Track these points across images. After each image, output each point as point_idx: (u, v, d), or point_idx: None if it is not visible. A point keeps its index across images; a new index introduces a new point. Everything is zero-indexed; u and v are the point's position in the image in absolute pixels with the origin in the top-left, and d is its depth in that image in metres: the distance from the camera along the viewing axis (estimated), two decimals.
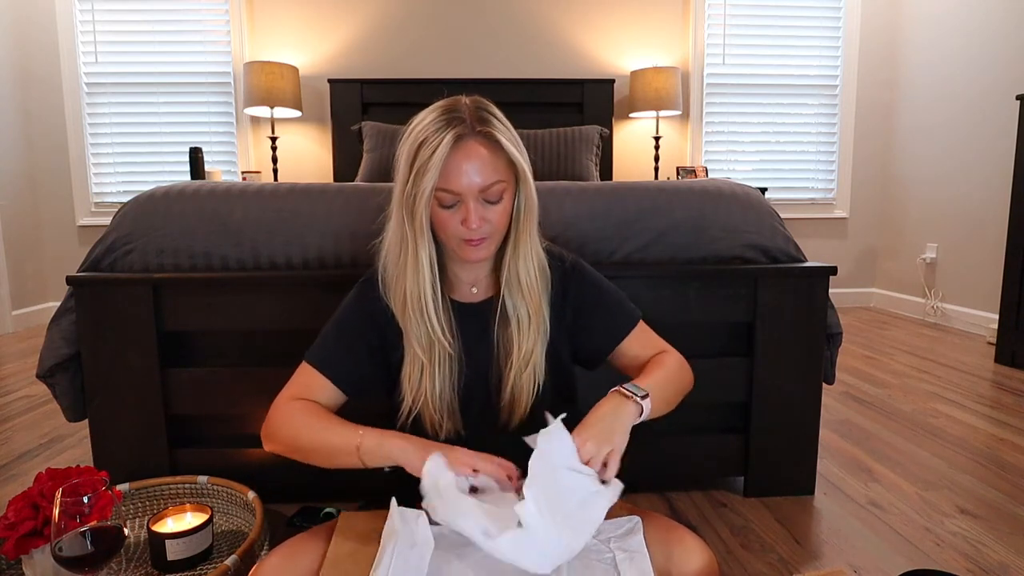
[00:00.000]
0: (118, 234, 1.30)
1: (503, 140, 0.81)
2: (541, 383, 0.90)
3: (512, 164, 0.83)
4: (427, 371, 0.87)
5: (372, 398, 0.94)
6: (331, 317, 0.94)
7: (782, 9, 3.71)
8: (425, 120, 0.81)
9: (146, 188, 1.45)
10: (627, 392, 0.82)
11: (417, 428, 0.90)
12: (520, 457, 0.91)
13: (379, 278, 0.90)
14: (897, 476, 1.53)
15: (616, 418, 0.80)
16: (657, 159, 3.59)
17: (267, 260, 1.31)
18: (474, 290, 0.93)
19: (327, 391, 0.89)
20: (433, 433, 0.90)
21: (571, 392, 1.02)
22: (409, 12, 3.55)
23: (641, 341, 0.97)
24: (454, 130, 0.78)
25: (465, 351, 0.91)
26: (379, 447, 0.78)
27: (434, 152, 0.77)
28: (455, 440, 0.90)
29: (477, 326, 0.91)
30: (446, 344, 0.87)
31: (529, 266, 0.88)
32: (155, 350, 1.28)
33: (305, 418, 0.84)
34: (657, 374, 0.90)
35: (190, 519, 1.15)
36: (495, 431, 0.92)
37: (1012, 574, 1.13)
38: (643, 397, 0.82)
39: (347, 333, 0.92)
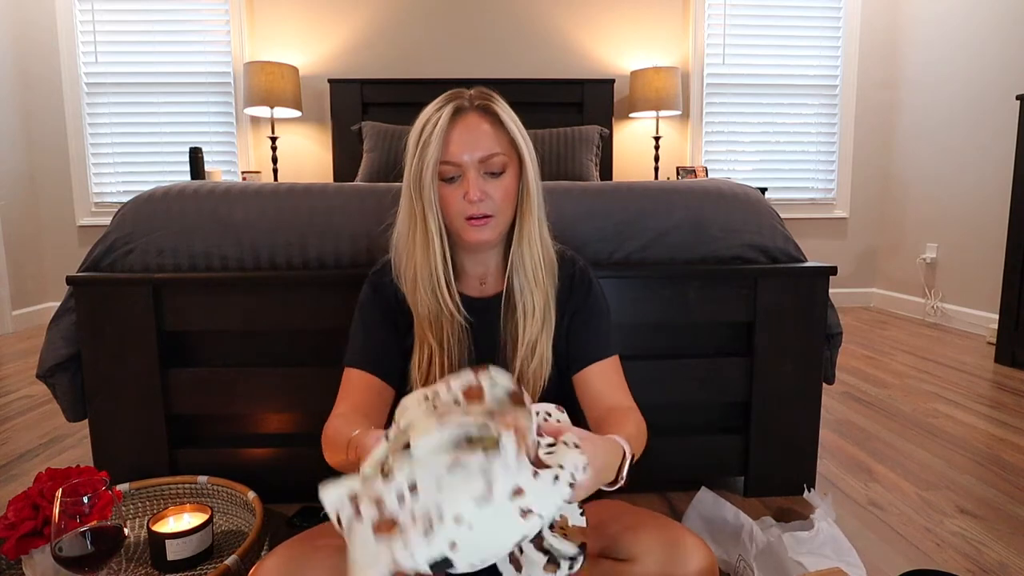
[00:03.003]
0: (118, 234, 1.30)
1: (502, 114, 0.84)
2: (548, 375, 0.90)
3: (513, 142, 0.85)
4: (436, 358, 0.88)
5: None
6: (353, 319, 0.95)
7: (782, 9, 3.71)
8: (429, 105, 0.86)
9: (146, 188, 1.45)
10: (620, 442, 0.74)
11: None
12: None
13: (391, 262, 0.92)
14: (897, 476, 1.53)
15: (610, 459, 0.71)
16: (657, 159, 3.60)
17: (267, 260, 1.31)
18: (482, 284, 0.94)
19: (375, 388, 0.89)
20: None
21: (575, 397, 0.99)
22: (409, 12, 3.55)
23: (608, 376, 0.92)
24: (454, 103, 0.83)
25: (474, 345, 0.91)
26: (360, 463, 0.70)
27: (436, 125, 0.82)
28: None
29: (485, 321, 0.91)
30: (458, 319, 0.88)
31: (535, 251, 0.89)
32: (155, 350, 1.28)
33: (326, 446, 0.81)
34: (628, 433, 0.80)
35: (190, 519, 1.15)
36: None
37: (1012, 574, 1.13)
38: (631, 460, 0.75)
39: (373, 327, 0.93)
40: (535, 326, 0.89)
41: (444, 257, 0.87)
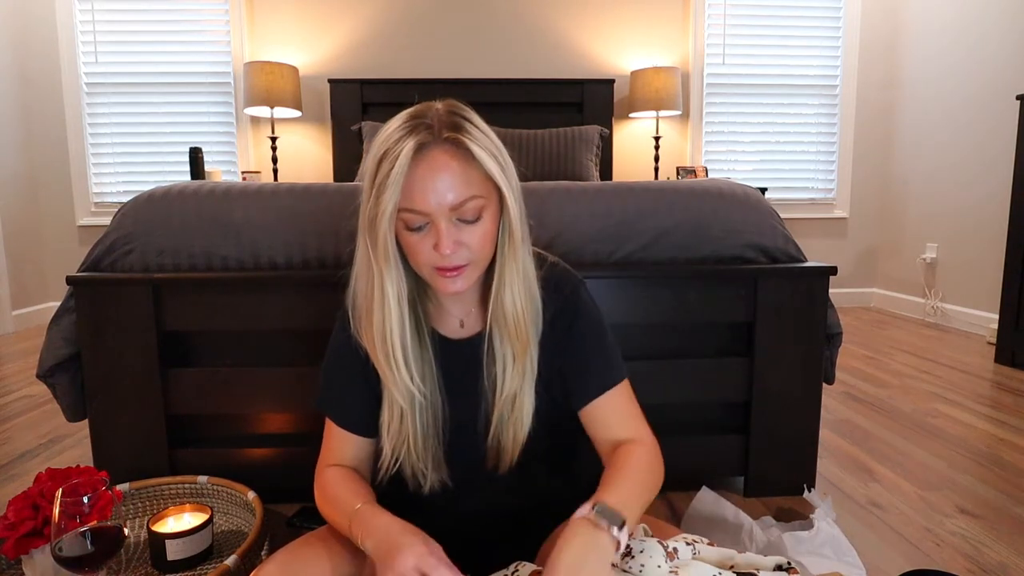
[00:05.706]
0: (118, 234, 1.30)
1: (476, 149, 0.69)
2: (527, 429, 0.81)
3: (490, 178, 0.71)
4: (408, 417, 0.79)
5: None
6: (327, 352, 0.88)
7: (782, 9, 3.71)
8: (389, 128, 0.71)
9: (146, 188, 1.45)
10: (600, 522, 0.66)
11: (398, 479, 0.83)
12: (510, 506, 0.87)
13: (350, 313, 0.81)
14: (897, 476, 1.53)
15: (590, 562, 0.63)
16: (657, 159, 3.60)
17: (267, 260, 1.31)
18: (461, 323, 0.84)
19: (350, 441, 0.84)
20: (416, 485, 0.83)
21: (570, 439, 0.91)
22: (409, 12, 3.55)
23: (615, 406, 0.83)
24: (416, 138, 0.68)
25: (449, 393, 0.82)
26: (360, 541, 0.72)
27: (393, 165, 0.67)
28: (440, 491, 0.84)
29: (464, 365, 0.82)
30: (421, 391, 0.79)
31: (517, 300, 0.77)
32: (155, 350, 1.28)
33: (322, 502, 0.80)
34: (630, 483, 0.73)
35: (190, 519, 1.15)
36: (484, 479, 0.85)
37: (1012, 574, 1.13)
38: (620, 527, 0.66)
39: (341, 373, 0.85)
40: (516, 378, 0.79)
41: (401, 326, 0.75)
